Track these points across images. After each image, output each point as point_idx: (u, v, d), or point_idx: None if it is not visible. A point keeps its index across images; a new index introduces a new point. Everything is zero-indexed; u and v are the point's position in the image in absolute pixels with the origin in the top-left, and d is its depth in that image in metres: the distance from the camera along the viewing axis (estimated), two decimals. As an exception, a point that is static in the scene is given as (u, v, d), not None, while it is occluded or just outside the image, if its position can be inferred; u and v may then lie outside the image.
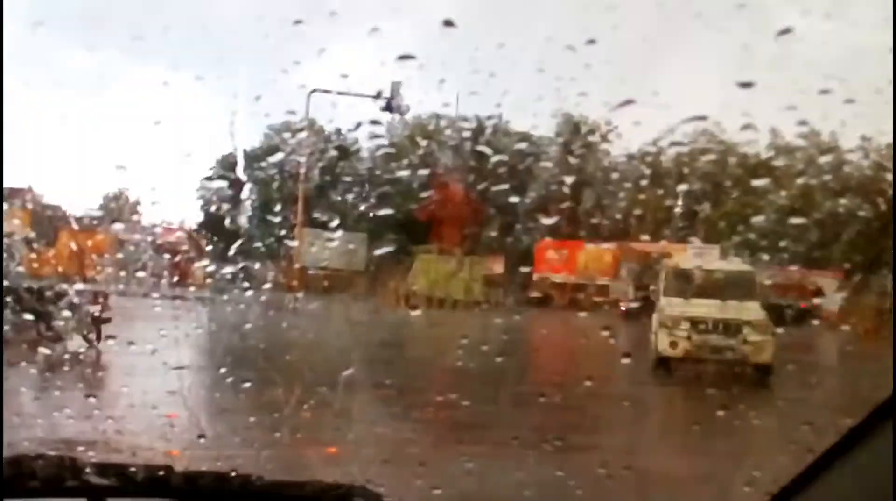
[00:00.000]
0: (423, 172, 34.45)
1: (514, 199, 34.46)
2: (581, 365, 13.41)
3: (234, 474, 1.82)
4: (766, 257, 34.33)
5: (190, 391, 9.28)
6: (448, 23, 3.99)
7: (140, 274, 23.35)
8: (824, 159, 33.04)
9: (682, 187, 35.42)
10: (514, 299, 31.66)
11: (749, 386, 12.44)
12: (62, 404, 8.35)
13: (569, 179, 35.72)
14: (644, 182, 35.95)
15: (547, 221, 35.11)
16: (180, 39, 44.85)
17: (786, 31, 3.36)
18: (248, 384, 7.78)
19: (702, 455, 7.23)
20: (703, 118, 17.29)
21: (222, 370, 9.47)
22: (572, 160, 36.77)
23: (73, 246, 21.08)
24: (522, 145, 35.41)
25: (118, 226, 27.72)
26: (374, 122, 53.29)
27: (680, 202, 36.78)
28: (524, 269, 33.38)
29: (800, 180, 32.37)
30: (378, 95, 23.63)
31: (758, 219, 34.22)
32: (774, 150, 35.79)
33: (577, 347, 15.56)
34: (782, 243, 28.81)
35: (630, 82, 13.19)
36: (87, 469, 1.72)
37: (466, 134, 35.44)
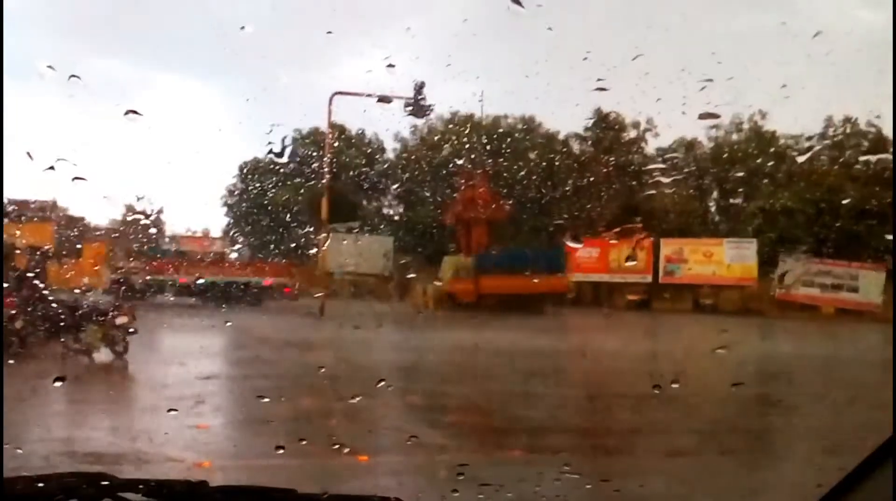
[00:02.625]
0: (449, 172, 33.95)
1: (543, 198, 33.89)
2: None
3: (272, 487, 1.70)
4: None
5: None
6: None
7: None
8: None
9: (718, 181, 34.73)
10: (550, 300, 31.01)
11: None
12: (89, 416, 8.01)
13: (601, 177, 35.08)
14: (677, 178, 35.30)
15: (577, 220, 34.55)
16: (197, 43, 44.67)
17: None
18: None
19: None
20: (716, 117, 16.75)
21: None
22: (605, 158, 36.10)
23: (97, 257, 20.83)
24: (552, 143, 34.88)
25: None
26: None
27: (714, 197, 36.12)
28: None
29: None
30: (398, 97, 23.16)
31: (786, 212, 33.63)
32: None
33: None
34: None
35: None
36: (121, 486, 1.67)
37: (494, 134, 34.88)
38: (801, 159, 36.73)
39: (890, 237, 24.22)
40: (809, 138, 36.67)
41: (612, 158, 35.81)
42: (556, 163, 35.27)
